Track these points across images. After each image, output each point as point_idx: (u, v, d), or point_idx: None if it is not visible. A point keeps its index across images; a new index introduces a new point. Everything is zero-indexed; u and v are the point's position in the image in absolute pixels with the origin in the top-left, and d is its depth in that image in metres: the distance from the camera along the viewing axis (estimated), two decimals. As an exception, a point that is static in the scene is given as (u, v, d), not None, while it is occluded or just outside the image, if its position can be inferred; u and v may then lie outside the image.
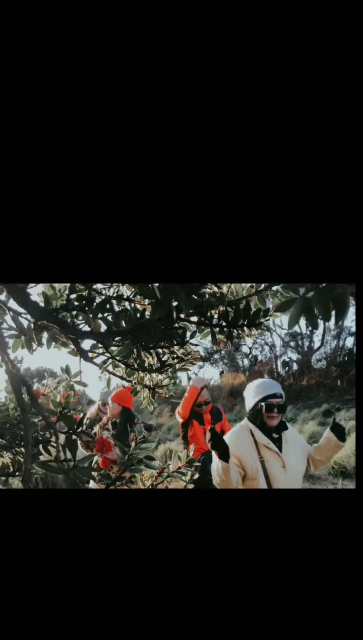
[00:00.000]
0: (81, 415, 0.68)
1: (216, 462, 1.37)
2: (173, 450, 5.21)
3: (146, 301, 0.66)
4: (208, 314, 0.67)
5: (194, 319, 0.70)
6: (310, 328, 10.88)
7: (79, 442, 2.09)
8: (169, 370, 0.83)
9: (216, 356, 11.51)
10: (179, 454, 0.69)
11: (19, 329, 0.72)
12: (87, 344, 0.80)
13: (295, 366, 10.72)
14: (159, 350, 0.77)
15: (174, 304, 0.61)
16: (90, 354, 0.82)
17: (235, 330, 0.67)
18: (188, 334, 0.75)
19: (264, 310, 0.66)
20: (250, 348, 11.63)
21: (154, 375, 0.87)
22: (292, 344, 11.32)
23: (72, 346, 0.81)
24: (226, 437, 1.42)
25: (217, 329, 0.67)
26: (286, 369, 10.63)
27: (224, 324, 0.66)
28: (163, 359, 0.78)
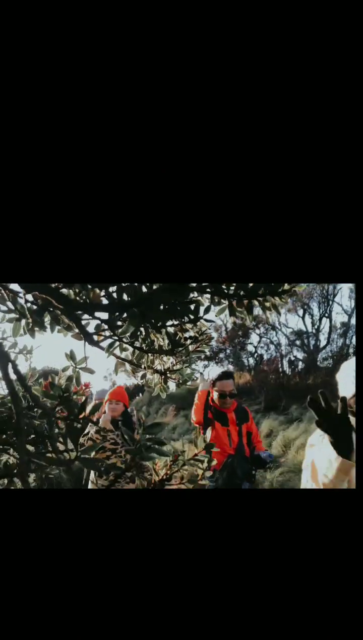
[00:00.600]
0: (83, 399, 0.61)
1: (330, 459, 0.98)
2: (177, 450, 5.11)
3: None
4: (223, 285, 0.60)
5: (207, 290, 0.63)
6: (315, 326, 10.77)
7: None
8: (182, 352, 0.76)
9: (221, 355, 11.42)
10: (194, 438, 0.62)
11: (18, 312, 0.66)
12: (92, 327, 0.74)
13: (300, 365, 10.61)
14: (170, 329, 0.70)
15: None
16: (95, 337, 0.75)
17: (256, 302, 0.60)
18: (202, 309, 0.68)
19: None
20: (255, 347, 11.54)
21: (165, 358, 0.80)
22: (298, 342, 11.20)
23: (76, 330, 0.74)
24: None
25: (235, 301, 0.60)
26: (292, 367, 10.52)
27: (242, 293, 0.58)
28: (175, 339, 0.71)
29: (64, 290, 0.66)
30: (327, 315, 10.96)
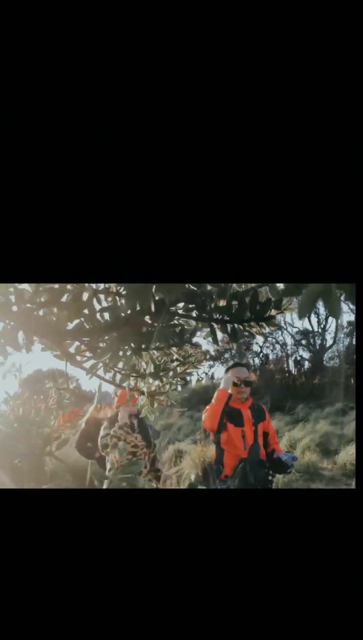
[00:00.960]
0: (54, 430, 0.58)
1: None
2: (183, 450, 5.09)
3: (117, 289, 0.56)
4: (207, 307, 0.56)
5: (193, 314, 0.59)
6: (321, 326, 10.65)
7: (99, 444, 1.95)
8: (170, 375, 0.72)
9: (226, 355, 11.37)
10: (199, 439, 0.58)
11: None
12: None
13: (306, 364, 10.50)
14: (154, 352, 0.66)
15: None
16: (78, 357, 0.71)
17: (241, 327, 0.56)
18: (188, 332, 0.64)
19: (275, 302, 0.54)
20: (261, 347, 11.47)
21: (151, 381, 0.76)
22: (304, 342, 11.10)
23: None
24: None
25: (218, 326, 0.56)
26: (298, 367, 10.42)
27: (227, 318, 0.54)
28: (158, 363, 0.67)
29: (40, 312, 0.63)
30: (333, 314, 10.82)
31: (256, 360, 11.21)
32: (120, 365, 0.68)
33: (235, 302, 0.55)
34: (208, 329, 0.63)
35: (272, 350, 11.27)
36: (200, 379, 10.89)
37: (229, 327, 0.55)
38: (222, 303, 0.53)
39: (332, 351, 10.62)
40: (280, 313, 0.53)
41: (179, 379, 0.77)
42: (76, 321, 0.62)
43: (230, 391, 1.83)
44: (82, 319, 0.59)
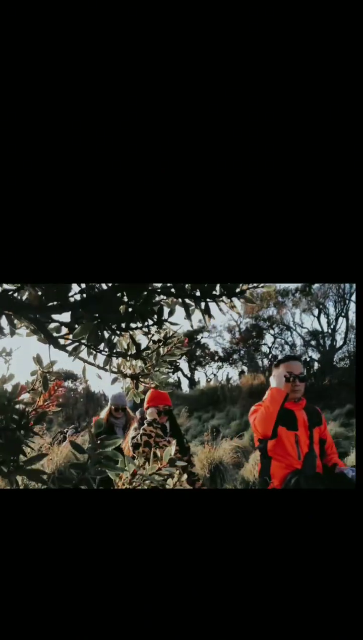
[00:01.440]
0: (23, 407, 0.59)
1: None
2: (192, 452, 5.06)
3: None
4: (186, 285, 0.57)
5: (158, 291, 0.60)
6: (331, 326, 10.50)
7: (130, 444, 1.86)
8: (153, 355, 0.72)
9: (235, 356, 11.31)
10: (156, 451, 0.58)
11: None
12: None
13: (316, 365, 10.37)
14: (133, 332, 0.67)
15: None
16: (62, 341, 0.72)
17: (215, 303, 0.56)
18: (166, 311, 0.64)
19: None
20: (270, 347, 11.38)
21: (134, 362, 0.77)
22: (313, 342, 10.97)
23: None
24: None
25: (193, 302, 0.56)
26: (307, 368, 10.29)
27: (198, 294, 0.55)
28: (138, 342, 0.67)
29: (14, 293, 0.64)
30: (343, 314, 10.69)
31: (265, 361, 11.13)
32: (101, 347, 0.69)
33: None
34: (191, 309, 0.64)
35: (281, 351, 11.17)
36: (209, 379, 10.85)
37: (202, 303, 0.55)
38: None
39: (342, 352, 10.46)
40: (251, 288, 0.53)
41: (164, 361, 0.77)
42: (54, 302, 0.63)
43: (285, 389, 1.56)
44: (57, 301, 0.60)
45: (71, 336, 0.72)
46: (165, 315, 0.65)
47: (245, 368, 11.20)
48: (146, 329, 0.66)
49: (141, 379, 0.81)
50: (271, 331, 11.45)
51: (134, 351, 0.68)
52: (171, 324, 0.67)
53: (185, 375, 11.36)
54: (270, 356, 11.29)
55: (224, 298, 0.54)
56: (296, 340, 11.25)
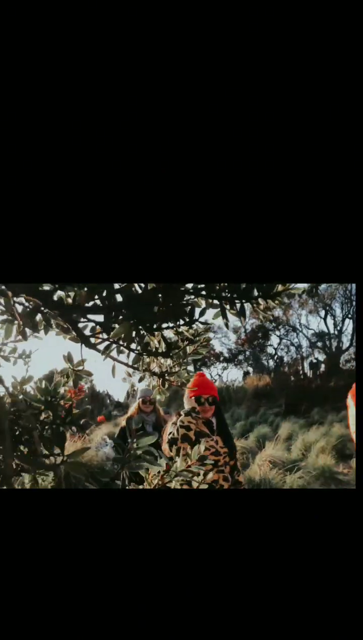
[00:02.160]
0: (70, 403, 0.61)
1: None
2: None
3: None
4: (216, 286, 0.58)
5: (202, 293, 0.61)
6: (338, 328, 10.46)
7: (166, 441, 1.69)
8: (180, 355, 0.74)
9: (240, 357, 11.31)
10: (188, 450, 0.60)
11: (10, 313, 0.66)
12: (89, 330, 0.74)
13: (322, 367, 10.33)
14: (165, 331, 0.69)
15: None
16: (93, 340, 0.74)
17: (250, 305, 0.58)
18: (197, 311, 0.66)
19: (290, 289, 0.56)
20: (275, 349, 11.36)
21: (162, 360, 0.79)
22: (319, 344, 10.93)
23: (73, 332, 0.74)
24: None
25: (228, 304, 0.58)
26: (313, 370, 10.26)
27: (235, 296, 0.56)
28: (170, 341, 0.69)
29: (60, 292, 0.66)
30: (350, 316, 10.64)
31: (271, 362, 11.11)
32: (133, 345, 0.71)
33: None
34: (217, 309, 0.66)
35: (287, 353, 11.15)
36: (214, 380, 10.86)
37: (238, 304, 0.57)
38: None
39: (349, 353, 10.42)
40: (285, 290, 0.55)
41: (189, 360, 0.79)
42: (91, 302, 0.65)
43: None
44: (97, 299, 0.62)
45: (103, 335, 0.74)
46: (196, 315, 0.67)
47: (250, 369, 11.19)
48: (177, 328, 0.68)
49: (167, 377, 0.83)
50: (277, 332, 11.42)
51: (164, 349, 0.70)
52: (202, 323, 0.68)
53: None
54: (275, 357, 11.27)
55: (260, 300, 0.55)
56: (302, 341, 11.22)
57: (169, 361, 0.77)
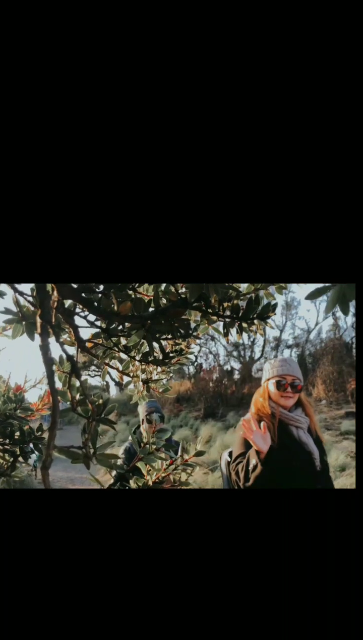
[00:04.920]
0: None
1: None
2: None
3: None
4: (220, 306, 0.68)
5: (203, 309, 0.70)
6: (251, 340, 11.41)
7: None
8: (168, 363, 0.82)
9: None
10: (186, 445, 0.68)
11: (20, 313, 0.66)
12: (84, 333, 0.76)
13: (236, 375, 11.16)
14: (163, 342, 0.76)
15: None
16: (87, 344, 0.77)
17: (244, 324, 0.69)
18: (192, 325, 0.75)
19: (273, 305, 0.69)
20: (196, 356, 11.84)
21: (150, 368, 0.85)
22: (235, 353, 11.79)
23: (64, 335, 0.76)
24: None
25: (228, 322, 0.68)
26: (229, 377, 11.02)
27: (235, 316, 0.67)
28: (166, 351, 0.77)
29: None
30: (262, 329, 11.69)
31: (191, 369, 11.58)
32: (132, 353, 0.76)
33: (242, 303, 0.68)
34: (203, 325, 0.75)
35: (206, 360, 11.76)
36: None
37: (236, 325, 0.68)
38: (235, 302, 0.66)
39: (260, 363, 11.45)
40: (273, 314, 0.68)
41: (172, 368, 0.88)
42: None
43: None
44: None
45: (96, 340, 0.78)
46: (191, 329, 0.75)
47: (172, 375, 11.47)
48: (176, 340, 0.76)
49: (151, 384, 0.90)
50: (197, 340, 11.93)
51: (161, 358, 0.77)
52: (195, 337, 0.78)
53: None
54: (196, 364, 11.78)
55: (256, 321, 0.67)
56: (220, 350, 11.94)
57: (157, 369, 0.84)
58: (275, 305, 0.69)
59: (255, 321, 0.68)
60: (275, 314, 0.70)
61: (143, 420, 1.99)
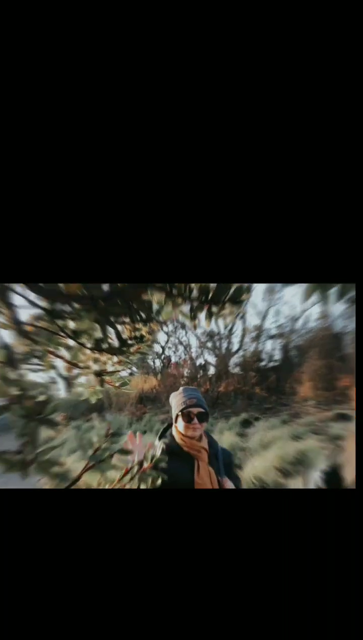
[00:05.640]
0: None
1: None
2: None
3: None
4: (186, 287, 0.71)
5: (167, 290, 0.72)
6: (227, 328, 11.60)
7: None
8: (126, 352, 0.83)
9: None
10: (146, 453, 0.71)
11: None
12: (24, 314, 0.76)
13: (212, 370, 11.32)
14: (119, 326, 0.78)
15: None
16: (28, 328, 0.77)
17: (214, 308, 0.72)
18: (155, 307, 0.77)
19: (246, 288, 0.72)
20: (163, 347, 11.87)
21: (104, 358, 0.87)
22: (209, 344, 11.92)
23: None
24: None
25: (195, 305, 0.71)
26: (203, 372, 11.17)
27: (204, 299, 0.70)
28: (123, 338, 0.78)
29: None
30: (240, 316, 11.82)
31: (157, 362, 11.64)
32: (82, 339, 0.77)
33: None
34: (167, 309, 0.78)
35: (175, 352, 11.81)
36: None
37: (205, 309, 0.71)
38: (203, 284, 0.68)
39: (238, 356, 11.68)
40: (247, 297, 0.71)
41: (131, 359, 0.90)
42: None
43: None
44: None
45: (38, 323, 0.78)
46: (153, 312, 0.77)
47: (135, 369, 11.48)
48: (133, 325, 0.78)
49: (104, 377, 0.91)
50: (165, 328, 11.91)
51: (117, 345, 0.79)
52: (158, 322, 0.80)
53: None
54: (162, 357, 11.81)
55: (228, 305, 0.70)
56: (192, 340, 11.99)
57: (113, 359, 0.86)
58: (249, 286, 0.73)
59: (227, 305, 0.71)
60: (250, 297, 0.73)
61: (176, 416, 1.65)
